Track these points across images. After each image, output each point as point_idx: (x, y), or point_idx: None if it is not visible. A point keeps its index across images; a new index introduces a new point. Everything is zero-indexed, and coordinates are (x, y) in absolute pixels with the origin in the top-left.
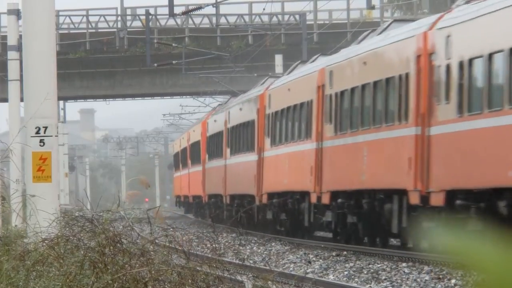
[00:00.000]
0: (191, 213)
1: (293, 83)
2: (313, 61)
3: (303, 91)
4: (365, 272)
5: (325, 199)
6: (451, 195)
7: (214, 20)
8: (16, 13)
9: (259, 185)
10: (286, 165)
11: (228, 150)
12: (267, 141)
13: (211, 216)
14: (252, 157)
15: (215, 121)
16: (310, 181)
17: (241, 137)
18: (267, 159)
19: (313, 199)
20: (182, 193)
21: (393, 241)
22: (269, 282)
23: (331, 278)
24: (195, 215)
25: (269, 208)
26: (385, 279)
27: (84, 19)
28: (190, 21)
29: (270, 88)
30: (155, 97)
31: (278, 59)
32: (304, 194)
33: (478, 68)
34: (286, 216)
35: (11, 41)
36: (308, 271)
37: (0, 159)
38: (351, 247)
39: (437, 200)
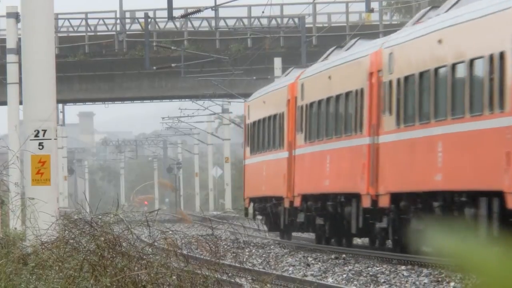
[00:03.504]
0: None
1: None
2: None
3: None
4: (364, 275)
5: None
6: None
7: (213, 23)
8: (15, 16)
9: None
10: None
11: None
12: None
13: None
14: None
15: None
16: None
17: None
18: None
19: None
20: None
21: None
22: (268, 285)
23: (330, 281)
24: None
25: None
26: (384, 282)
27: (83, 22)
28: (189, 24)
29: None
30: (154, 100)
31: (277, 62)
32: None
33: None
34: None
35: (10, 44)
36: (307, 274)
37: (6, 165)
38: (350, 250)
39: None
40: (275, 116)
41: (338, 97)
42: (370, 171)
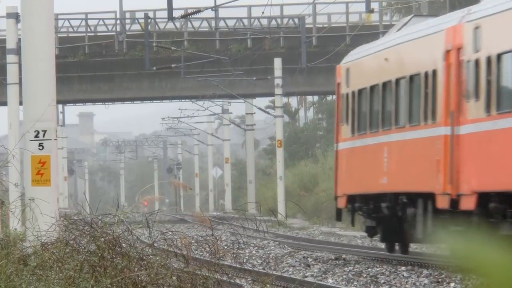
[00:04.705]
0: None
1: None
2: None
3: None
4: (364, 276)
5: None
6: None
7: (213, 23)
8: (15, 16)
9: None
10: None
11: None
12: None
13: None
14: None
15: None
16: None
17: None
18: None
19: None
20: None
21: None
22: (268, 285)
23: (330, 282)
24: None
25: None
26: (384, 282)
27: (83, 23)
28: (189, 25)
29: None
30: (154, 101)
31: (277, 62)
32: None
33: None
34: None
35: (10, 44)
36: (307, 274)
37: (2, 164)
38: (349, 250)
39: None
40: (413, 77)
41: None
42: None
